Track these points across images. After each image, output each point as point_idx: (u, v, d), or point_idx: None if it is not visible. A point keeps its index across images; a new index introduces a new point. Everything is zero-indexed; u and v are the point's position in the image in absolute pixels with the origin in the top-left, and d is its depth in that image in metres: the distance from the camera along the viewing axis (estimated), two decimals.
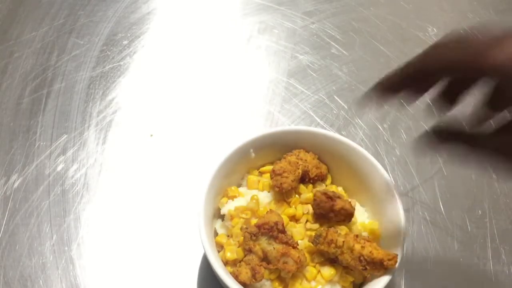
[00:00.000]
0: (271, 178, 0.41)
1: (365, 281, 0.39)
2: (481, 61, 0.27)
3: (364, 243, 0.37)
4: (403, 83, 0.32)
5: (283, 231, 0.38)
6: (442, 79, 0.31)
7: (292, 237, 0.38)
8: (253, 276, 0.37)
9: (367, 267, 0.36)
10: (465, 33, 0.29)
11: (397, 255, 0.37)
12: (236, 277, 0.37)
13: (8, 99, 0.56)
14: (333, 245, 0.37)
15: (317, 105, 0.57)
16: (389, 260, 0.36)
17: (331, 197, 0.39)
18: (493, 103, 0.31)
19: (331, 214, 0.39)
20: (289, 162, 0.41)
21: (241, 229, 0.39)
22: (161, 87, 0.59)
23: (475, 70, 0.28)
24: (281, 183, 0.40)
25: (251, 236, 0.38)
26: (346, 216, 0.40)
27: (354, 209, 0.40)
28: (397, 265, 0.37)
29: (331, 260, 0.39)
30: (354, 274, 0.39)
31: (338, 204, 0.39)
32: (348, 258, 0.37)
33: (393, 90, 0.32)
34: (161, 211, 0.48)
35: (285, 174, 0.40)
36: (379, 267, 0.36)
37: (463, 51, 0.28)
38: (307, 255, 0.38)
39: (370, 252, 0.36)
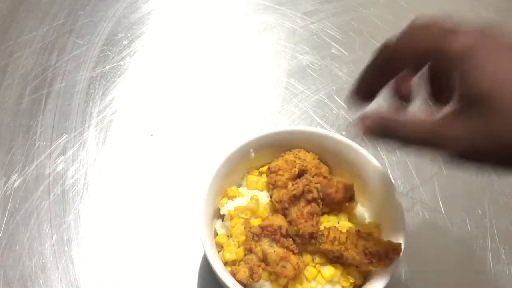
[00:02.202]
0: (267, 175, 0.41)
1: (365, 281, 0.39)
2: (439, 49, 0.28)
3: (367, 236, 0.37)
4: (373, 81, 0.33)
5: (285, 236, 0.38)
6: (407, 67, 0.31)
7: (293, 243, 0.38)
8: (251, 276, 0.37)
9: (373, 260, 0.37)
10: (428, 20, 0.31)
11: (400, 244, 0.37)
12: (233, 275, 0.37)
13: (8, 99, 0.56)
14: (336, 242, 0.37)
15: (317, 105, 0.57)
16: (393, 249, 0.37)
17: (326, 177, 0.41)
18: (437, 96, 0.33)
19: (333, 195, 0.40)
20: (285, 160, 0.41)
21: (244, 227, 0.39)
22: (161, 87, 0.59)
23: (435, 58, 0.29)
24: (275, 181, 0.40)
25: (253, 236, 0.38)
26: (347, 191, 0.40)
27: (352, 184, 0.41)
28: (401, 254, 0.37)
29: (332, 260, 0.39)
30: (354, 274, 0.39)
31: (335, 180, 0.40)
32: (353, 253, 0.37)
33: (367, 92, 0.33)
34: (161, 211, 0.48)
35: (280, 172, 0.40)
36: (384, 258, 0.37)
37: (424, 39, 0.29)
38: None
39: (374, 244, 0.37)
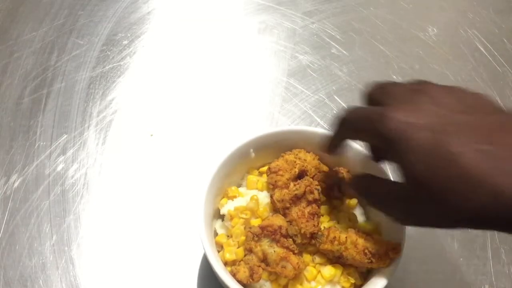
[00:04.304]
0: (267, 175, 0.41)
1: (365, 281, 0.39)
2: (374, 132, 0.31)
3: (366, 236, 0.37)
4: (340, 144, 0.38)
5: (285, 236, 0.38)
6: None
7: (293, 243, 0.38)
8: (251, 276, 0.37)
9: (373, 259, 0.37)
10: (361, 106, 0.34)
11: (400, 243, 0.37)
12: (233, 275, 0.37)
13: (8, 99, 0.56)
14: (336, 242, 0.37)
15: (317, 105, 0.57)
16: (393, 249, 0.37)
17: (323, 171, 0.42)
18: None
19: (331, 179, 0.41)
20: (286, 160, 0.41)
21: (244, 227, 0.39)
22: (161, 87, 0.59)
23: (373, 138, 0.32)
24: (275, 181, 0.40)
25: (253, 236, 0.38)
26: (328, 177, 0.42)
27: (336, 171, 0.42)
28: (401, 254, 0.37)
29: (332, 261, 0.39)
30: (354, 274, 0.39)
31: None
32: (353, 253, 0.37)
33: (337, 147, 0.39)
34: (161, 211, 0.48)
35: (281, 172, 0.40)
36: (384, 258, 0.37)
37: (361, 122, 0.33)
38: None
39: (374, 243, 0.37)
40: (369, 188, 0.35)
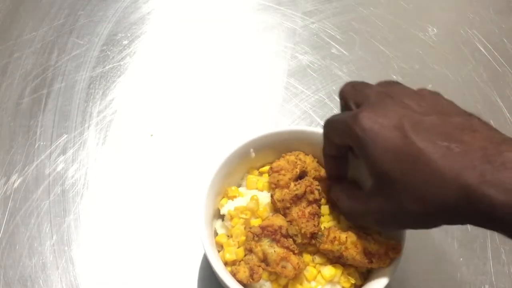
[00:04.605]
0: (269, 175, 0.41)
1: (365, 281, 0.39)
2: (349, 132, 0.33)
3: (367, 236, 0.37)
4: (338, 169, 0.40)
5: (286, 236, 0.38)
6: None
7: (293, 243, 0.38)
8: (251, 276, 0.37)
9: (373, 259, 0.37)
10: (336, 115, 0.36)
11: (401, 243, 0.37)
12: (234, 275, 0.37)
13: (8, 99, 0.56)
14: (336, 242, 0.37)
15: (317, 105, 0.57)
16: (393, 249, 0.37)
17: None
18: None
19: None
20: (287, 160, 0.41)
21: (244, 227, 0.39)
22: (161, 87, 0.59)
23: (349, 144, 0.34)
24: (277, 180, 0.40)
25: (253, 236, 0.38)
26: None
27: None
28: (401, 253, 0.37)
29: (332, 261, 0.39)
30: (355, 274, 0.39)
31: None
32: (353, 253, 0.37)
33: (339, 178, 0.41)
34: (161, 211, 0.48)
35: (283, 172, 0.40)
36: (384, 258, 0.37)
37: (339, 125, 0.35)
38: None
39: (374, 243, 0.37)
40: (339, 196, 0.38)
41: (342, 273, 0.38)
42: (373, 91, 0.35)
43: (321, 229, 0.38)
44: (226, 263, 0.39)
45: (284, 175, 0.40)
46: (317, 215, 0.39)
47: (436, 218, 0.30)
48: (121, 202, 0.49)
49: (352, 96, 0.36)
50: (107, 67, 0.60)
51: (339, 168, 0.40)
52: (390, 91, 0.34)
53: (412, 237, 0.45)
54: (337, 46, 0.63)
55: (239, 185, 0.44)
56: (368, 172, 0.33)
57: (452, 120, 0.31)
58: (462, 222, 0.30)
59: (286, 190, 0.39)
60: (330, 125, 0.37)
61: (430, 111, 0.32)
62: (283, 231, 0.38)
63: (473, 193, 0.27)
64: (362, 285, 0.39)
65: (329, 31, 0.65)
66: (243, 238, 0.39)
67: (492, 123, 0.31)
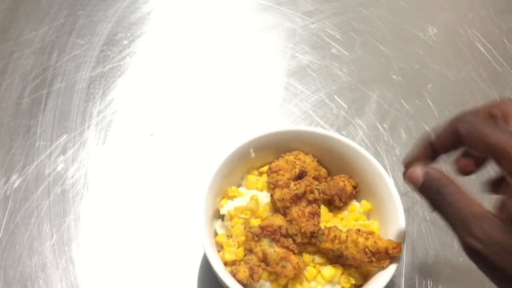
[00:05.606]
0: (268, 175, 0.41)
1: (365, 281, 0.39)
2: (476, 141, 0.30)
3: (367, 235, 0.37)
4: (425, 156, 0.34)
5: (285, 236, 0.38)
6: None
7: (293, 243, 0.38)
8: (251, 276, 0.37)
9: (373, 258, 0.37)
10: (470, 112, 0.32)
11: (400, 242, 0.37)
12: (234, 275, 0.37)
13: (8, 99, 0.56)
14: (336, 241, 0.37)
15: (317, 105, 0.57)
16: (393, 248, 0.37)
17: (326, 179, 0.42)
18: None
19: (345, 189, 0.41)
20: (286, 160, 0.41)
21: (244, 227, 0.39)
22: (161, 87, 0.59)
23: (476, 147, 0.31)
24: (276, 180, 0.40)
25: (253, 237, 0.38)
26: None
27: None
28: (401, 253, 0.37)
29: (332, 261, 0.39)
30: (355, 275, 0.39)
31: (338, 178, 0.42)
32: (354, 251, 0.37)
33: (418, 161, 0.34)
34: (161, 211, 0.48)
35: (281, 172, 0.40)
36: (384, 256, 0.37)
37: (467, 129, 0.31)
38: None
39: (375, 242, 0.37)
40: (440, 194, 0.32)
41: (342, 273, 0.38)
42: None
43: (320, 228, 0.39)
44: (226, 263, 0.39)
45: (282, 175, 0.40)
46: (316, 214, 0.39)
47: None
48: (121, 202, 0.49)
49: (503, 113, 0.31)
50: (107, 67, 0.60)
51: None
52: None
53: (412, 238, 0.45)
54: (337, 46, 0.63)
55: (239, 185, 0.44)
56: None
57: None
58: None
59: (286, 190, 0.39)
60: (484, 137, 0.31)
61: None
62: (283, 231, 0.38)
63: None
64: (362, 285, 0.39)
65: (329, 31, 0.65)
66: (243, 238, 0.39)
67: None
